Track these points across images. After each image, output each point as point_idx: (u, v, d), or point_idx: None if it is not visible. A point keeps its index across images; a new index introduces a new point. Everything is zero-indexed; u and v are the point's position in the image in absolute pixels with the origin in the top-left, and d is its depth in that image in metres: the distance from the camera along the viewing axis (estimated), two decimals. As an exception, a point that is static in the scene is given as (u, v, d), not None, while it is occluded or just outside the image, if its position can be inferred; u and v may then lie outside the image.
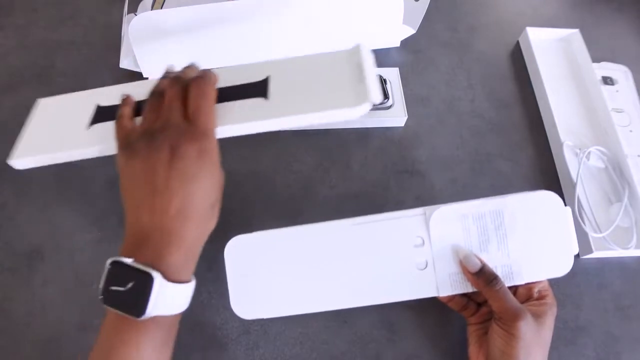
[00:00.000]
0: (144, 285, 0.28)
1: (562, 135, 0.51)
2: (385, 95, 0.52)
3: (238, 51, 0.54)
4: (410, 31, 0.59)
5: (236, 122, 0.34)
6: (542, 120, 0.55)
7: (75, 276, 0.43)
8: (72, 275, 0.43)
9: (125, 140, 0.33)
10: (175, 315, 0.31)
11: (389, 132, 0.53)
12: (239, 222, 0.46)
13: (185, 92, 0.33)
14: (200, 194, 0.31)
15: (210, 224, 0.33)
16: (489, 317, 0.37)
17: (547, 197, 0.37)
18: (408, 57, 0.59)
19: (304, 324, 0.42)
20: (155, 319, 0.29)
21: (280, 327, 0.42)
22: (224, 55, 0.54)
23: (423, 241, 0.37)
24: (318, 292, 0.38)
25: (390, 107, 0.53)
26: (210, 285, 0.43)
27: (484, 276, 0.35)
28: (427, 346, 0.41)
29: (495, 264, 0.37)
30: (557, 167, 0.52)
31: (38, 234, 0.45)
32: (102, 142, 0.36)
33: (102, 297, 0.29)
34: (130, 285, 0.28)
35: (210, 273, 0.44)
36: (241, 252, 0.38)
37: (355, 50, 0.37)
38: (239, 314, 0.38)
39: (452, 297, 0.38)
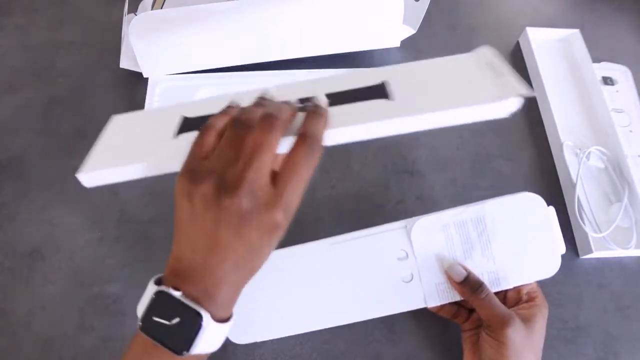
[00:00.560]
0: (192, 323, 0.26)
1: (562, 136, 0.51)
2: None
3: (239, 51, 0.54)
4: (410, 31, 0.59)
5: (356, 122, 0.28)
6: (542, 121, 0.55)
7: (75, 276, 0.43)
8: (72, 275, 0.43)
9: (197, 163, 0.28)
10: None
11: (389, 132, 0.53)
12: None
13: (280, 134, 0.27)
14: (259, 262, 0.29)
15: (257, 269, 0.30)
16: (482, 323, 0.37)
17: (528, 199, 0.37)
18: (408, 57, 0.59)
19: (304, 324, 0.42)
20: (192, 356, 0.27)
21: (280, 327, 0.42)
22: (224, 56, 0.54)
23: (407, 254, 0.37)
24: (306, 313, 0.38)
25: (390, 107, 0.53)
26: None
27: (469, 285, 0.35)
28: (427, 346, 0.41)
29: (481, 271, 0.36)
30: (557, 167, 0.52)
31: (38, 234, 0.45)
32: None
33: (141, 325, 0.27)
34: (176, 320, 0.26)
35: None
36: None
37: (482, 52, 0.33)
38: (232, 339, 0.38)
39: (441, 307, 0.38)
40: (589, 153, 0.50)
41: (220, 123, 0.29)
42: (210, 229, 0.26)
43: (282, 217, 0.27)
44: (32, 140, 0.51)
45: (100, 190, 0.47)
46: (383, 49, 0.59)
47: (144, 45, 0.50)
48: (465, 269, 0.36)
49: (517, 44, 0.62)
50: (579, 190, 0.47)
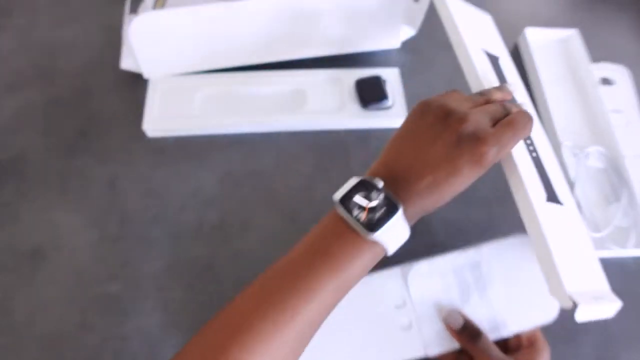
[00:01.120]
0: (387, 210, 0.29)
1: (561, 136, 0.51)
2: (385, 96, 0.53)
3: (239, 51, 0.54)
4: (410, 32, 0.59)
5: None
6: (541, 121, 0.55)
7: (77, 276, 0.43)
8: (73, 274, 0.43)
9: (450, 99, 0.34)
10: (367, 265, 0.31)
11: (389, 132, 0.53)
12: (238, 221, 0.47)
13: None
14: (450, 192, 0.31)
15: (440, 205, 0.32)
16: None
17: (524, 242, 0.36)
18: (408, 58, 0.60)
19: (304, 324, 0.42)
20: (372, 245, 0.29)
21: (280, 327, 0.42)
22: (224, 56, 0.54)
23: (404, 301, 0.36)
24: None
25: (390, 107, 0.53)
26: (211, 286, 0.43)
27: (467, 333, 0.35)
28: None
29: (480, 317, 0.36)
30: (556, 167, 0.52)
31: (39, 233, 0.45)
32: None
33: (339, 202, 0.30)
34: (374, 203, 0.29)
35: (210, 273, 0.44)
36: None
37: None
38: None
39: (442, 355, 0.37)
40: (588, 153, 0.50)
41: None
42: (426, 142, 0.31)
43: (492, 154, 0.31)
44: (33, 140, 0.51)
45: (100, 190, 0.48)
46: (383, 50, 0.59)
47: (144, 46, 0.50)
48: (463, 317, 0.35)
49: (516, 44, 0.62)
50: (577, 190, 0.47)
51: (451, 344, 0.36)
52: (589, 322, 0.43)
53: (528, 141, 0.39)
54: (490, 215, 0.48)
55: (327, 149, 0.52)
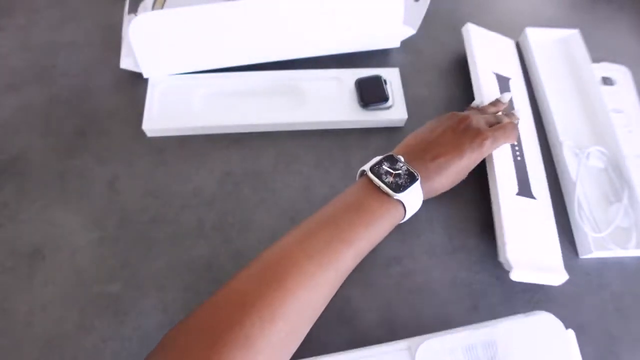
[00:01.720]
0: (408, 178, 0.38)
1: (562, 136, 0.51)
2: (385, 96, 0.52)
3: (239, 51, 0.54)
4: (410, 31, 0.59)
5: None
6: (541, 121, 0.55)
7: (76, 276, 0.43)
8: (72, 275, 0.43)
9: (462, 114, 0.45)
10: (392, 223, 0.38)
11: (389, 132, 0.53)
12: (238, 221, 0.47)
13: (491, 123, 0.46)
14: (457, 170, 0.41)
15: (446, 187, 0.42)
16: None
17: (544, 320, 0.34)
18: (408, 57, 0.60)
19: (304, 324, 0.42)
20: (396, 205, 0.37)
21: (280, 327, 0.42)
22: (224, 56, 0.54)
23: None
24: None
25: (390, 107, 0.53)
26: (210, 286, 0.43)
27: None
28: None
29: None
30: (556, 167, 0.52)
31: (39, 233, 0.45)
32: None
33: (371, 168, 0.38)
34: (399, 171, 0.38)
35: (210, 273, 0.44)
36: None
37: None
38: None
39: None
40: (589, 153, 0.50)
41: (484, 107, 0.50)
42: (439, 132, 0.43)
43: (488, 143, 0.43)
44: (33, 140, 0.51)
45: (100, 190, 0.48)
46: (383, 50, 0.59)
47: (144, 46, 0.50)
48: None
49: (517, 44, 0.62)
50: (578, 190, 0.47)
51: None
52: (590, 320, 0.44)
53: (516, 147, 0.49)
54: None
55: (327, 148, 0.52)
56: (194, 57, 0.53)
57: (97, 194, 0.48)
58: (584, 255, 0.46)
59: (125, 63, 0.54)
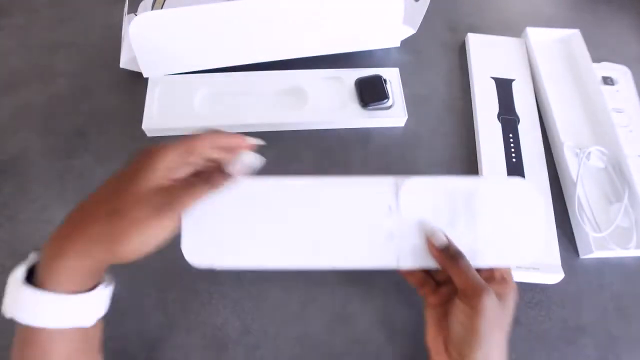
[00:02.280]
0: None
1: (563, 136, 0.51)
2: (385, 95, 0.52)
3: (238, 51, 0.54)
4: (410, 31, 0.59)
5: None
6: (542, 120, 0.55)
7: (76, 276, 0.43)
8: (72, 275, 0.43)
9: None
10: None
11: (389, 132, 0.53)
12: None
13: None
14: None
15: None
16: (449, 299, 0.36)
17: (522, 185, 0.36)
18: (408, 57, 0.60)
19: (304, 324, 0.42)
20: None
21: (280, 327, 0.42)
22: (224, 56, 0.54)
23: (390, 210, 0.36)
24: (277, 247, 0.36)
25: (390, 107, 0.53)
26: (210, 286, 0.43)
27: (448, 252, 0.35)
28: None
29: (462, 243, 0.36)
30: (557, 167, 0.52)
31: (38, 233, 0.45)
32: None
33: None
34: None
35: (210, 273, 0.44)
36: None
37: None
38: (190, 259, 0.36)
39: (412, 272, 0.38)
40: (589, 153, 0.50)
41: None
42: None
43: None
44: (32, 140, 0.51)
45: (100, 190, 0.48)
46: (383, 49, 0.59)
47: (144, 45, 0.50)
48: (447, 238, 0.35)
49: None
50: (579, 190, 0.47)
51: (425, 262, 0.36)
52: (590, 319, 0.43)
53: (512, 148, 0.49)
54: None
55: (327, 148, 0.52)
56: (193, 56, 0.53)
57: (97, 194, 0.47)
58: (585, 255, 0.46)
59: (125, 63, 0.54)
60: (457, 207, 0.36)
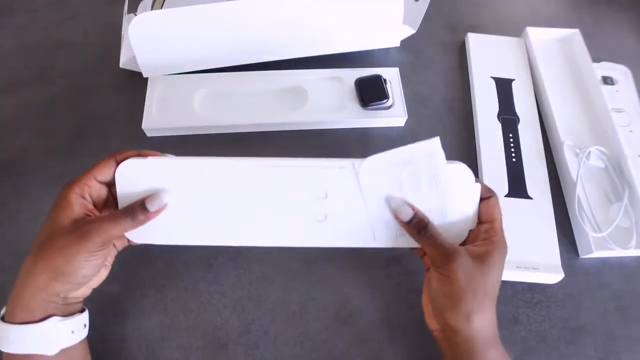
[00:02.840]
0: None
1: (562, 135, 0.51)
2: (385, 95, 0.52)
3: (238, 51, 0.54)
4: (410, 31, 0.59)
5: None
6: (542, 120, 0.55)
7: (76, 276, 0.43)
8: (72, 275, 0.43)
9: None
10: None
11: (389, 132, 0.53)
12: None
13: None
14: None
15: None
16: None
17: (461, 169, 0.36)
18: (408, 57, 0.60)
19: (304, 324, 0.42)
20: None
21: (280, 327, 0.42)
22: (224, 56, 0.54)
23: (326, 194, 0.36)
24: (218, 225, 0.36)
25: (390, 107, 0.53)
26: (210, 286, 0.43)
27: (416, 224, 0.35)
28: (427, 346, 0.41)
29: (429, 206, 0.36)
30: (557, 167, 0.52)
31: (38, 234, 0.45)
32: None
33: None
34: None
35: (210, 273, 0.44)
36: (135, 177, 0.36)
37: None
38: (129, 236, 0.37)
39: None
40: (589, 153, 0.50)
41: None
42: None
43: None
44: (32, 140, 0.51)
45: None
46: (383, 49, 0.59)
47: (143, 45, 0.50)
48: (413, 208, 0.35)
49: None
50: (579, 190, 0.47)
51: (399, 236, 0.37)
52: (590, 319, 0.43)
53: (512, 149, 0.50)
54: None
55: (327, 148, 0.52)
56: (193, 56, 0.53)
57: (97, 194, 0.47)
58: (585, 255, 0.46)
59: (125, 63, 0.54)
60: (418, 171, 0.36)
